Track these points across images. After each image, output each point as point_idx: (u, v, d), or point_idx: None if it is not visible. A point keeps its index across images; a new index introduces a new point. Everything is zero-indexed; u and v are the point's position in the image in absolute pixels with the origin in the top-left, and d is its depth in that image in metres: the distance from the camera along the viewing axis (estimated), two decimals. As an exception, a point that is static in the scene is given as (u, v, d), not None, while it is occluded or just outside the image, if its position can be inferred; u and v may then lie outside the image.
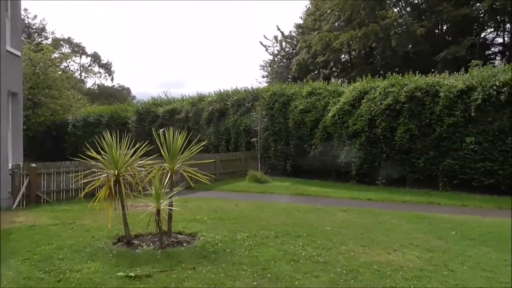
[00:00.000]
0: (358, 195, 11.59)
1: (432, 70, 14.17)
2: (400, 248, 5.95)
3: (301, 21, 32.96)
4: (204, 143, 7.46)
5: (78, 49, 57.80)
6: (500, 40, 25.94)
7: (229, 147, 18.63)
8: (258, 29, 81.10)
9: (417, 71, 14.19)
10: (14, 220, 8.53)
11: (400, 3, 25.02)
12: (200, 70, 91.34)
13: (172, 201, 6.99)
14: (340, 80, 18.10)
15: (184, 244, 6.55)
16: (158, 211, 6.39)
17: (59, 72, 29.94)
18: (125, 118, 24.05)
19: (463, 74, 13.07)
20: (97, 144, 6.90)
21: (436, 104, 12.53)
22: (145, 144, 7.17)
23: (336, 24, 26.56)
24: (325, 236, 6.66)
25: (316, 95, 16.02)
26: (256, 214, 8.77)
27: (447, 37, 24.85)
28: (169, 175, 7.06)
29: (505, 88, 11.25)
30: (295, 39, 33.20)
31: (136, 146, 7.02)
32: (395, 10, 24.56)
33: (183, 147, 7.28)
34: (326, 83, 17.07)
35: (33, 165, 11.57)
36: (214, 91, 20.59)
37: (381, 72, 21.63)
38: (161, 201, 6.49)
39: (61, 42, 54.63)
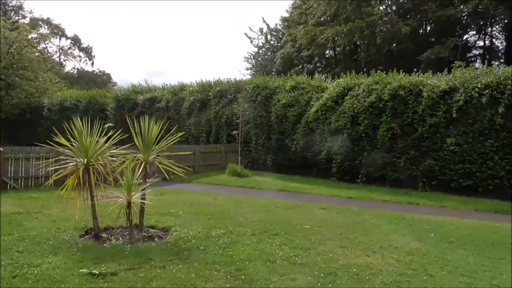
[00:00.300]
0: (338, 193, 11.45)
1: (415, 69, 14.08)
2: (379, 250, 5.79)
3: (287, 14, 32.61)
4: (181, 134, 7.10)
5: (57, 31, 56.03)
6: (481, 43, 26.34)
7: (210, 139, 18.27)
8: (244, 20, 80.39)
9: (401, 70, 14.11)
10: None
11: (386, 1, 24.95)
12: (184, 60, 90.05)
13: (145, 193, 6.66)
14: (324, 75, 17.87)
15: (156, 239, 6.24)
16: (129, 204, 6.04)
17: (36, 54, 28.80)
18: (103, 104, 23.29)
19: (446, 74, 13.05)
20: (72, 131, 6.46)
21: (419, 104, 12.47)
22: (120, 132, 6.81)
23: (322, 19, 26.34)
24: (303, 235, 6.44)
25: (300, 90, 15.79)
26: (234, 210, 8.50)
27: (430, 38, 24.98)
28: (142, 166, 6.72)
29: (487, 91, 11.24)
30: (280, 32, 32.86)
31: (109, 134, 6.66)
32: (381, 8, 24.49)
33: (159, 137, 6.92)
34: (310, 78, 16.86)
35: (0, 149, 10.99)
36: (196, 81, 20.15)
37: (365, 69, 21.63)
38: (133, 193, 6.15)
39: (40, 22, 52.82)
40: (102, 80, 58.13)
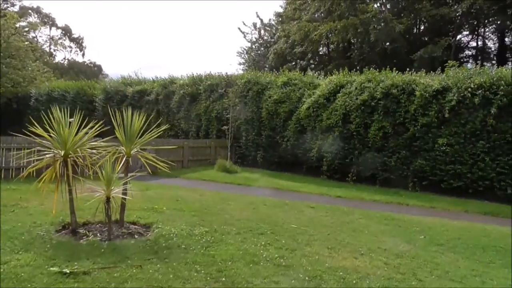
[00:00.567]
0: (327, 191, 11.25)
1: (408, 68, 13.93)
2: (367, 252, 5.58)
3: (281, 10, 32.35)
4: (164, 127, 6.81)
5: (47, 20, 55.16)
6: (474, 44, 26.31)
7: (200, 134, 17.99)
8: (238, 15, 79.82)
9: (394, 68, 13.95)
10: None
11: (381, -2, 24.87)
12: (178, 54, 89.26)
13: (127, 188, 6.38)
14: (317, 73, 17.66)
15: (136, 236, 5.96)
16: (108, 199, 5.76)
17: (26, 43, 28.17)
18: (92, 96, 22.83)
19: (440, 74, 12.90)
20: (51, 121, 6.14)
21: (411, 103, 12.31)
22: (101, 124, 6.52)
23: (316, 15, 26.11)
24: (290, 235, 6.21)
25: (292, 86, 15.55)
26: (220, 207, 8.25)
27: (424, 37, 24.91)
28: (124, 159, 6.44)
29: (480, 91, 11.11)
30: (274, 27, 32.57)
31: (90, 125, 6.36)
32: (375, 5, 24.32)
33: (142, 130, 6.63)
34: (303, 74, 16.63)
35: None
36: (187, 74, 19.82)
37: (358, 67, 21.45)
38: (112, 187, 5.86)
39: (29, 11, 51.86)
40: (92, 71, 57.44)
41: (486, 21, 23.50)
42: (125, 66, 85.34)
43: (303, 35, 24.79)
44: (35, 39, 48.17)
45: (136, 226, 6.50)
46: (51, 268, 4.43)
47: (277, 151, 15.41)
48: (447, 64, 13.27)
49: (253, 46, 33.43)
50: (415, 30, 25.04)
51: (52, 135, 6.18)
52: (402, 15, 23.34)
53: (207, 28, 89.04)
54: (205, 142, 16.64)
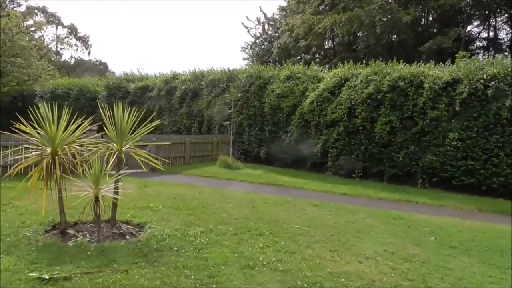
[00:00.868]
0: (332, 189, 10.84)
1: (416, 61, 13.42)
2: (373, 256, 5.18)
3: (284, 3, 31.81)
4: (156, 123, 6.45)
5: (53, 19, 55.15)
6: (485, 34, 25.58)
7: (202, 130, 17.64)
8: (241, 9, 79.15)
9: (402, 60, 13.45)
10: None
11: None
12: (182, 51, 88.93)
13: (118, 186, 6.04)
14: (321, 66, 17.20)
15: (127, 237, 5.63)
16: (97, 198, 5.42)
17: (33, 42, 28.12)
18: (95, 93, 22.63)
19: (450, 65, 12.39)
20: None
21: (420, 96, 11.84)
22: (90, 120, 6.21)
23: (320, 7, 25.56)
24: (290, 236, 5.83)
25: (295, 80, 15.11)
26: (219, 205, 7.88)
27: (432, 28, 24.24)
28: (115, 156, 6.09)
29: (493, 82, 10.60)
30: (278, 22, 32.08)
31: (79, 122, 6.03)
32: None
33: (134, 125, 6.27)
34: (307, 67, 16.18)
35: (-25, 137, 10.35)
36: (189, 70, 19.46)
37: (363, 60, 20.90)
38: (102, 186, 5.53)
39: (35, 11, 51.85)
40: (98, 69, 57.40)
41: (497, 10, 22.76)
42: (131, 63, 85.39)
43: (307, 28, 24.25)
44: (42, 38, 48.18)
45: (128, 226, 6.17)
46: (30, 274, 4.11)
47: (280, 146, 14.99)
48: (457, 55, 12.75)
49: (257, 41, 32.98)
50: (423, 21, 24.36)
51: (39, 132, 5.87)
52: (409, 5, 22.67)
53: (210, 24, 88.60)
54: (207, 137, 16.28)
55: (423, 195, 10.52)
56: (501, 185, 10.45)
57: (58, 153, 5.76)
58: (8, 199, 7.50)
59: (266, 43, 32.10)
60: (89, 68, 54.36)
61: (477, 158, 10.74)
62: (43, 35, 50.36)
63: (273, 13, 33.18)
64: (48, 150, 5.73)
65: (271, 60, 28.51)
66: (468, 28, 23.65)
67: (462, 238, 6.44)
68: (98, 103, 6.84)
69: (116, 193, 5.93)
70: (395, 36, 22.96)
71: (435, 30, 23.35)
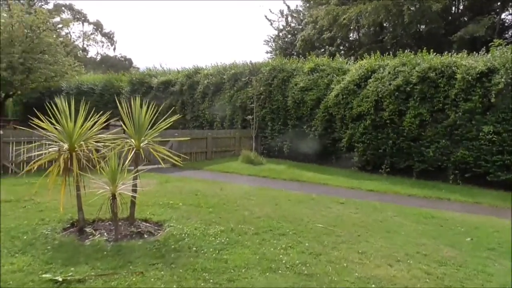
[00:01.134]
0: (358, 185, 10.42)
1: (447, 51, 12.74)
2: (404, 259, 4.81)
3: (309, -5, 31.11)
4: (175, 118, 6.25)
5: (79, 16, 56.27)
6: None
7: (224, 124, 17.44)
8: (264, 2, 78.33)
9: (432, 50, 12.81)
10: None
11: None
12: (206, 46, 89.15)
13: (136, 183, 5.89)
14: (346, 59, 16.66)
15: (145, 236, 5.46)
16: (114, 196, 5.27)
17: (60, 39, 28.57)
18: (118, 88, 22.81)
19: (484, 54, 11.70)
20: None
21: (452, 87, 11.22)
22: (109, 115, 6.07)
23: (346, -2, 24.86)
24: (314, 237, 5.52)
25: (319, 72, 14.66)
26: (240, 202, 7.64)
27: (463, 16, 23.16)
28: (133, 153, 5.93)
29: (532, 72, 9.91)
30: (301, 14, 31.47)
31: (96, 118, 5.89)
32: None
33: (153, 120, 6.09)
34: (331, 59, 15.69)
35: (0, 132, 10.48)
36: (212, 64, 19.28)
37: (390, 51, 20.20)
38: (120, 183, 5.37)
39: (62, 8, 52.96)
40: (123, 65, 58.24)
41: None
42: (154, 58, 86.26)
43: (332, 19, 23.63)
44: (69, 35, 49.10)
45: (147, 224, 6.01)
46: (44, 275, 3.98)
47: (304, 141, 14.61)
48: (492, 43, 12.01)
49: (280, 34, 32.48)
50: (453, 9, 23.32)
51: (57, 127, 5.77)
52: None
53: (234, 18, 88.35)
54: (229, 132, 16.07)
55: (455, 192, 9.97)
56: (541, 181, 9.79)
57: (76, 149, 5.64)
58: (29, 195, 7.50)
59: (289, 36, 31.57)
60: (114, 64, 55.25)
61: (515, 152, 10.09)
62: (69, 32, 51.35)
63: (297, 5, 32.70)
64: (66, 146, 5.62)
65: (295, 53, 28.01)
66: (503, 15, 22.46)
67: (500, 239, 5.96)
68: (116, 99, 6.64)
69: (135, 190, 5.77)
70: (424, 25, 22.05)
71: (466, 19, 22.31)
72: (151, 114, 6.01)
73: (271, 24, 32.51)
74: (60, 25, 42.08)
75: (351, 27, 24.96)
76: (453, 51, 12.90)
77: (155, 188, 8.76)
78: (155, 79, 20.86)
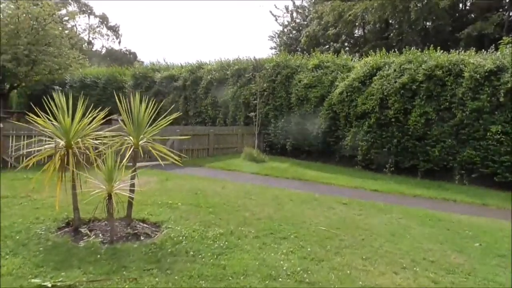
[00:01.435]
0: (362, 184, 10.21)
1: (454, 49, 12.49)
2: (410, 265, 4.62)
3: (314, -10, 30.78)
4: (174, 115, 6.05)
5: (86, 9, 56.10)
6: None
7: (227, 121, 17.26)
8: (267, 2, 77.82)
9: (439, 48, 12.54)
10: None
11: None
12: (209, 40, 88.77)
13: (134, 183, 5.71)
14: (351, 55, 16.40)
15: (142, 238, 5.28)
16: (110, 196, 5.09)
17: (66, 31, 28.38)
18: (122, 82, 22.66)
19: (493, 52, 11.43)
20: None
21: (459, 86, 10.98)
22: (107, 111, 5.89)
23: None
24: (317, 240, 5.33)
25: (323, 69, 14.44)
26: (241, 202, 7.45)
27: (471, 14, 22.81)
28: (131, 151, 5.74)
29: (543, 71, 9.65)
30: (306, 10, 31.16)
31: (94, 113, 5.70)
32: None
33: (152, 117, 5.89)
34: (336, 56, 15.44)
35: (0, 125, 10.33)
36: (215, 59, 19.06)
37: (396, 49, 19.94)
38: (116, 182, 5.19)
39: (69, 1, 52.76)
40: (128, 58, 58.14)
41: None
42: (159, 52, 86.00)
43: (337, 15, 23.38)
44: (75, 28, 48.91)
45: (144, 225, 5.83)
46: (33, 280, 3.80)
47: (307, 139, 14.41)
48: (501, 41, 11.74)
49: (285, 30, 32.21)
50: (460, 6, 22.96)
51: (54, 123, 5.59)
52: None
53: (238, 13, 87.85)
54: (232, 129, 15.87)
55: (462, 193, 9.75)
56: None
57: (73, 146, 5.46)
58: (26, 191, 7.34)
59: (294, 32, 31.32)
60: (119, 57, 55.17)
61: (524, 153, 9.86)
62: (75, 25, 51.16)
63: (302, 1, 32.38)
64: (62, 142, 5.45)
65: (299, 49, 27.76)
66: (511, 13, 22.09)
67: (510, 244, 5.74)
68: (115, 94, 6.44)
69: (132, 190, 5.60)
70: (430, 22, 21.74)
71: (474, 16, 21.96)
72: (151, 111, 5.82)
73: (276, 19, 32.31)
74: (66, 18, 41.88)
75: (357, 24, 24.70)
76: (461, 48, 12.58)
77: (155, 186, 8.58)
78: (158, 74, 20.69)
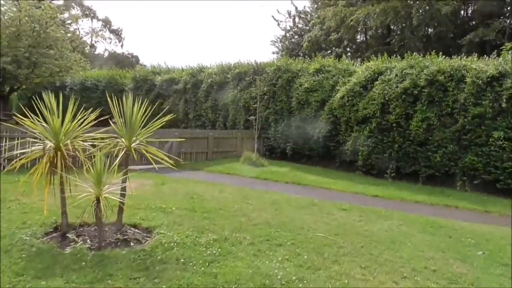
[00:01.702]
0: (363, 190, 10.00)
1: (456, 55, 12.34)
2: (411, 274, 4.41)
3: (316, -5, 30.76)
4: (168, 117, 5.87)
5: (89, 12, 56.32)
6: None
7: (227, 124, 17.10)
8: (272, 2, 77.97)
9: (441, 53, 12.38)
10: None
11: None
12: (211, 44, 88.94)
13: (125, 187, 5.52)
14: (353, 60, 16.27)
15: (132, 244, 5.08)
16: (98, 200, 4.90)
17: (68, 35, 28.37)
18: (122, 85, 22.53)
19: (495, 58, 11.26)
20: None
21: (461, 91, 10.81)
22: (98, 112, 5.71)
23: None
24: (314, 247, 5.12)
25: (325, 73, 14.28)
26: (238, 207, 7.25)
27: (472, 20, 22.68)
28: (123, 153, 5.55)
29: (546, 77, 9.47)
30: (309, 15, 31.11)
31: (85, 115, 5.53)
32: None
33: (145, 119, 5.71)
34: (337, 61, 15.29)
35: (-5, 127, 10.19)
36: (216, 63, 18.93)
37: (398, 54, 19.84)
38: (105, 186, 5.00)
39: (72, 4, 52.93)
40: (130, 62, 58.09)
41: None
42: (161, 56, 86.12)
43: (339, 21, 23.27)
44: (78, 31, 49.02)
45: (135, 230, 5.63)
46: (13, 289, 3.61)
47: (307, 143, 14.23)
48: (503, 47, 11.59)
49: (287, 35, 32.15)
50: (462, 12, 22.85)
51: (43, 124, 5.43)
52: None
53: (241, 17, 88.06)
54: (231, 133, 15.70)
55: (464, 199, 9.54)
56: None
57: (62, 148, 5.29)
58: (16, 194, 7.14)
59: (296, 37, 31.26)
60: (121, 60, 55.20)
61: (527, 159, 9.65)
62: (78, 28, 51.28)
63: (304, 6, 32.39)
64: (50, 144, 5.27)
65: (301, 54, 27.69)
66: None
67: (515, 254, 5.53)
68: (107, 95, 6.26)
69: (123, 194, 5.41)
70: (432, 28, 21.62)
71: (475, 22, 21.84)
72: (143, 112, 5.64)
73: (278, 24, 32.33)
74: (69, 21, 41.99)
75: (359, 29, 24.61)
76: (462, 54, 12.43)
77: (150, 190, 8.40)
78: (159, 77, 20.56)
